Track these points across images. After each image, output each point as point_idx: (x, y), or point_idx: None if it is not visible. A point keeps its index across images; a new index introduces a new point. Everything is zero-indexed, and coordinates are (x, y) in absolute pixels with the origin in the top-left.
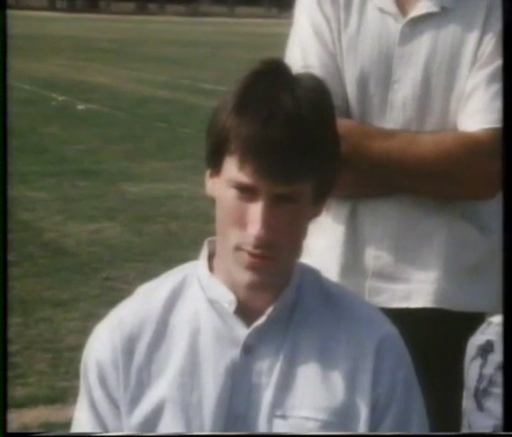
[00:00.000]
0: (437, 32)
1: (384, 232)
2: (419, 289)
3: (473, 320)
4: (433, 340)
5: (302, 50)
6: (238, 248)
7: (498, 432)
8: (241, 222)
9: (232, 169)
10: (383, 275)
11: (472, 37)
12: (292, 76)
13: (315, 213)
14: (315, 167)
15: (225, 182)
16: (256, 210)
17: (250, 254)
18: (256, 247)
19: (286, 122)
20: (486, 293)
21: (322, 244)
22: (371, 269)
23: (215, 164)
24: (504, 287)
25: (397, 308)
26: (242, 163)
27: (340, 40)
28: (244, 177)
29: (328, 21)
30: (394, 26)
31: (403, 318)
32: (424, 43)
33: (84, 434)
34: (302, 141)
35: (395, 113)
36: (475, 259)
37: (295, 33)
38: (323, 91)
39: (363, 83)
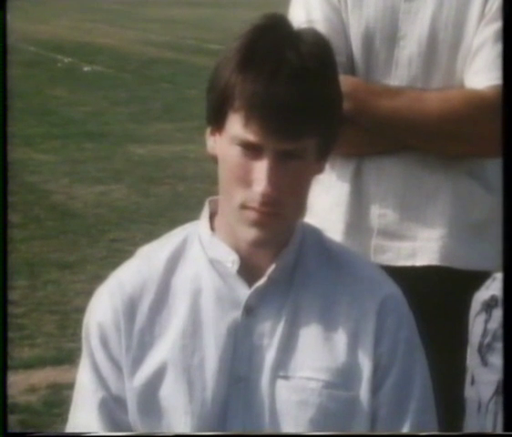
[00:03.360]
0: None
1: (389, 190)
2: (424, 247)
3: (478, 278)
4: (438, 297)
5: (306, 5)
6: (243, 207)
7: (498, 433)
8: (246, 180)
9: (236, 127)
10: (388, 233)
11: None
12: (295, 31)
13: (318, 169)
14: (320, 123)
15: (228, 140)
16: (262, 168)
17: (257, 211)
18: (263, 204)
19: (292, 77)
20: (491, 251)
21: (327, 202)
22: (376, 228)
23: (217, 121)
24: (504, 245)
25: (402, 266)
26: (248, 120)
27: None
28: (250, 135)
29: None
30: None
31: (408, 276)
32: None
33: (84, 434)
34: (307, 96)
35: (401, 70)
36: (480, 217)
37: None
38: (326, 45)
39: (368, 39)
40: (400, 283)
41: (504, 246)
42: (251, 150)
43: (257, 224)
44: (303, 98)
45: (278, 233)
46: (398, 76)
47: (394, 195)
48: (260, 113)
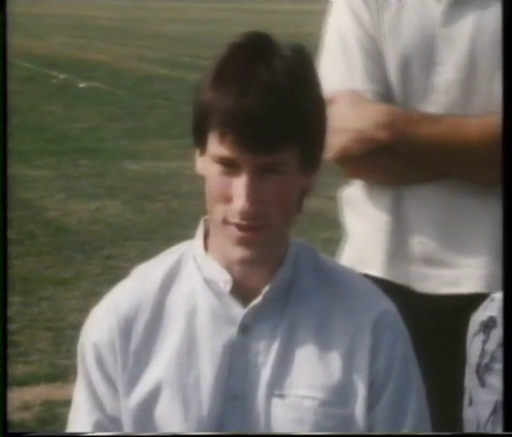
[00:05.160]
0: (481, 11)
1: (430, 217)
2: (468, 275)
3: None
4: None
5: (341, 35)
6: (225, 222)
7: (498, 432)
8: (227, 197)
9: (214, 144)
10: (429, 261)
11: None
12: (271, 47)
13: (306, 183)
14: (297, 136)
15: (210, 158)
16: (240, 183)
17: (238, 227)
18: (243, 219)
19: (262, 92)
20: None
21: (366, 230)
22: (417, 255)
23: (200, 141)
24: (504, 266)
25: (446, 293)
26: (222, 136)
27: (380, 23)
28: (225, 151)
29: (367, 4)
30: (436, 7)
31: (451, 303)
32: (468, 23)
33: (83, 434)
34: (279, 110)
35: (439, 96)
36: None
37: (333, 18)
38: (303, 60)
39: (405, 66)
40: (443, 311)
41: (504, 265)
42: (231, 167)
43: (242, 242)
44: (275, 113)
45: (264, 249)
46: (436, 102)
47: (434, 222)
48: (232, 128)
